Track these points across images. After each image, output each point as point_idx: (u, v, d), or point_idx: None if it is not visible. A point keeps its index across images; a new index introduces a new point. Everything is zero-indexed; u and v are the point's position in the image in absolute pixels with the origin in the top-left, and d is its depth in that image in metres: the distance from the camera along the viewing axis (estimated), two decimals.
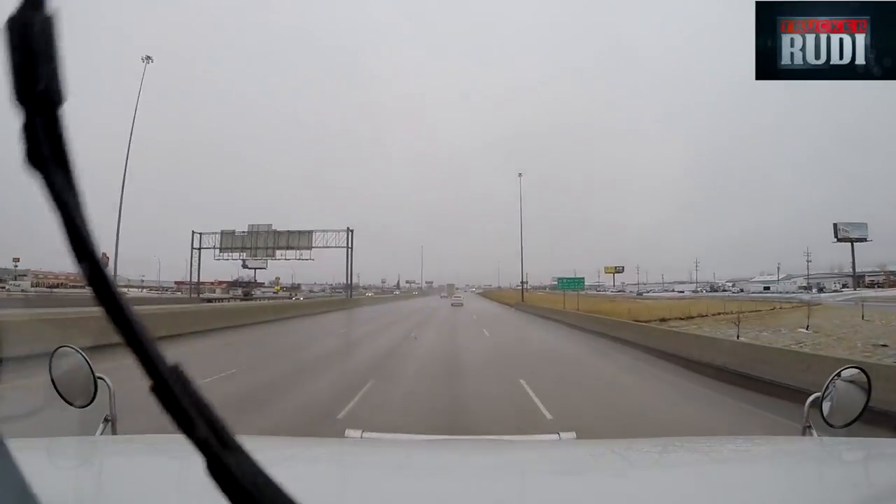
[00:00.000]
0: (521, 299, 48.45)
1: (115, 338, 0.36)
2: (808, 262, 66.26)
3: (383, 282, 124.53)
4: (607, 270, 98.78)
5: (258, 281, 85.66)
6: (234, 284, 77.77)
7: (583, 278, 41.08)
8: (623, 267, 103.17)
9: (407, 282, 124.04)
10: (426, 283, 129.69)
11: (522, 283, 57.60)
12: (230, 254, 47.65)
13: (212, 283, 77.83)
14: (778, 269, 75.11)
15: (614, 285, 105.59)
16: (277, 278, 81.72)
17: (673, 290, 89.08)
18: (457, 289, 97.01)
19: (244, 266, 78.28)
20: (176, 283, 76.76)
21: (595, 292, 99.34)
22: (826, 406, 1.35)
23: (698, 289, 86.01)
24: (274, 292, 74.68)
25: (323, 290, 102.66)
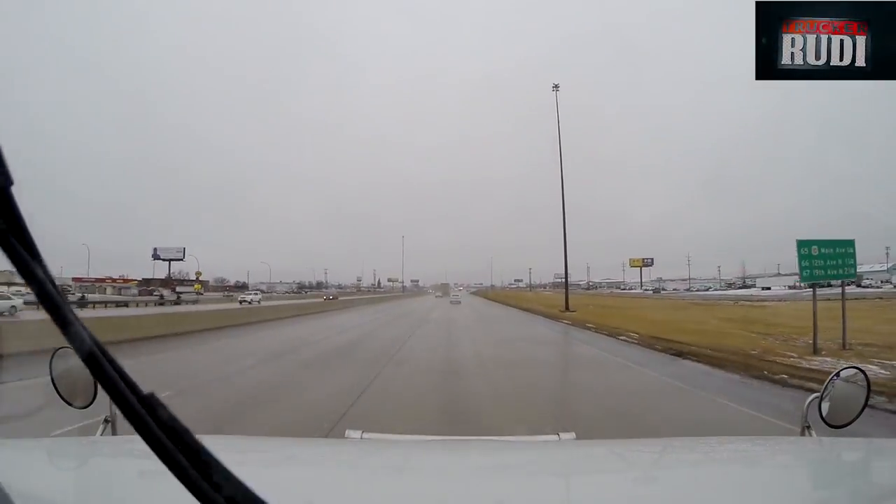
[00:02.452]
0: (564, 306, 29.20)
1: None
2: None
3: (359, 280, 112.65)
4: (633, 263, 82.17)
5: (176, 277, 69.71)
6: (145, 283, 64.65)
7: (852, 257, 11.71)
8: (652, 259, 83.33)
9: (389, 280, 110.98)
10: (411, 281, 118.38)
11: (567, 279, 34.71)
12: None
13: (115, 281, 64.86)
14: (887, 253, 62.02)
15: (642, 282, 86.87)
16: (198, 273, 68.85)
17: (753, 287, 66.19)
18: (452, 287, 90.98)
19: (155, 256, 65.33)
20: (74, 279, 62.56)
21: (619, 291, 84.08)
22: (825, 406, 1.35)
23: (797, 284, 65.51)
24: (196, 293, 59.16)
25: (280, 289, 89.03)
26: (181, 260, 68.82)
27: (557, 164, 32.38)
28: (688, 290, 78.36)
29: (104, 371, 0.42)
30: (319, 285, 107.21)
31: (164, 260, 68.03)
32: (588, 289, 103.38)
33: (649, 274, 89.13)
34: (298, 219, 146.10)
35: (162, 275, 70.97)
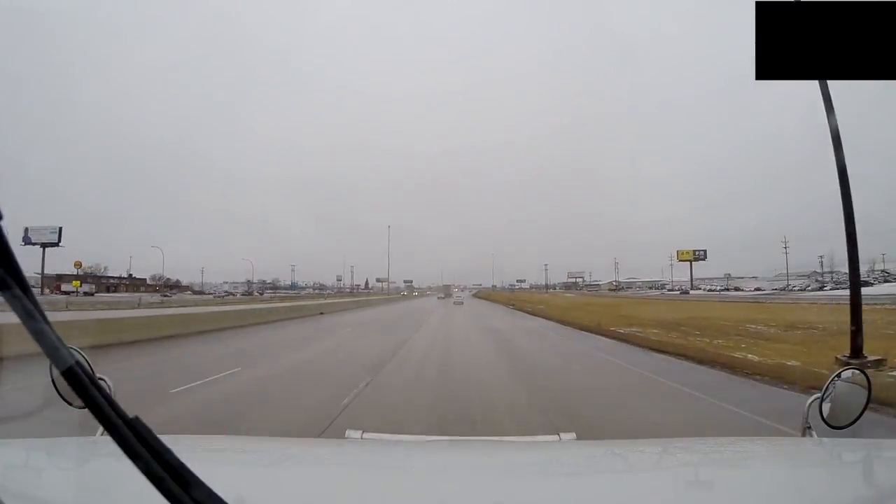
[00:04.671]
0: (853, 345, 8.52)
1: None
2: None
3: (339, 279, 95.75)
4: (682, 257, 64.91)
5: (90, 271, 58.71)
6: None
7: None
8: (705, 252, 64.44)
9: (379, 280, 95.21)
10: (405, 282, 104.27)
11: (856, 268, 9.10)
12: None
13: None
14: None
15: (692, 280, 65.91)
16: (78, 263, 52.91)
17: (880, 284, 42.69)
18: (455, 288, 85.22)
19: (26, 240, 47.79)
20: None
21: (670, 294, 61.29)
22: (826, 407, 1.35)
23: None
24: (75, 290, 48.77)
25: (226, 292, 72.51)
26: (56, 245, 51.19)
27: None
28: (783, 289, 53.74)
29: (86, 390, 0.45)
30: (294, 286, 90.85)
31: (35, 244, 50.61)
32: (615, 290, 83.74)
33: (703, 270, 66.78)
34: (271, 208, 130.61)
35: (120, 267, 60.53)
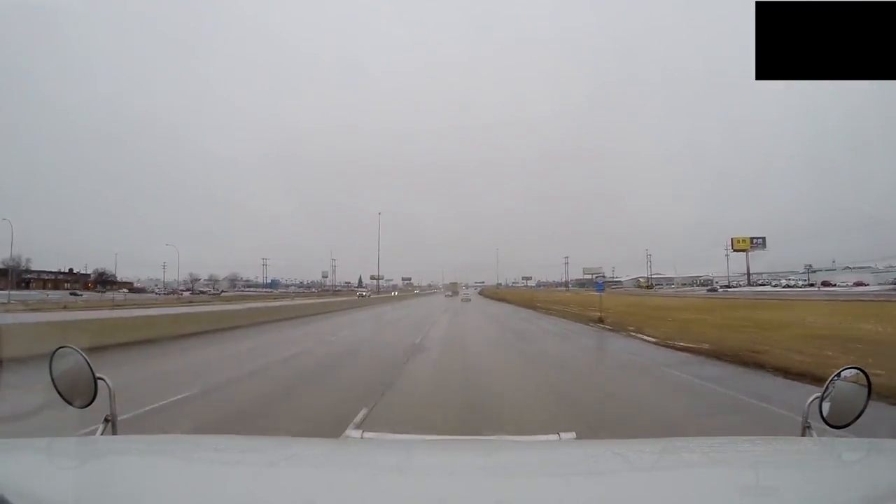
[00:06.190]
0: None
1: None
2: None
3: (324, 276, 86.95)
4: (738, 245, 50.16)
5: (12, 264, 51.75)
6: None
7: None
8: (763, 239, 49.72)
9: (373, 277, 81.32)
10: (403, 279, 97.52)
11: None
12: None
13: None
14: None
15: (749, 276, 51.66)
16: None
17: None
18: (462, 286, 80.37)
19: None
20: None
21: (728, 295, 44.45)
22: (826, 406, 1.35)
23: None
24: None
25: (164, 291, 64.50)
26: None
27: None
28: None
29: None
30: (274, 284, 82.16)
31: None
32: (647, 287, 70.31)
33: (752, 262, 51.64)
34: (265, 202, 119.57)
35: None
